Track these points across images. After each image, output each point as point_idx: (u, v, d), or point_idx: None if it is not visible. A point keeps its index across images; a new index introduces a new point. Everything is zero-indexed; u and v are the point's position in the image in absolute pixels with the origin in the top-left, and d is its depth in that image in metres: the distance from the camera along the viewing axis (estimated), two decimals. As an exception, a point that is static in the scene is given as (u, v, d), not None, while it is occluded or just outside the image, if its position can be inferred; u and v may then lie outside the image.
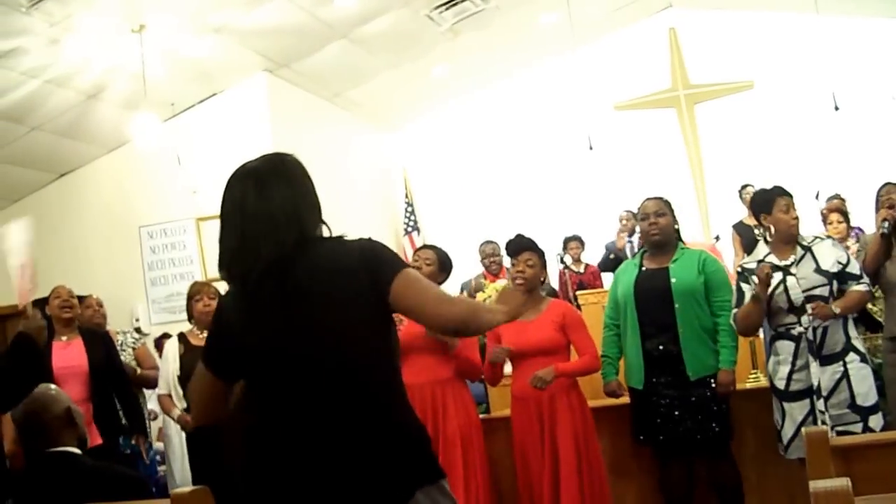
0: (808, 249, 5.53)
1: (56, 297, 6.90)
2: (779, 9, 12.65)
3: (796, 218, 5.60)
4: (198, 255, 11.30)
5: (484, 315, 2.81)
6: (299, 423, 2.69)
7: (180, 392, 6.70)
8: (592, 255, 11.65)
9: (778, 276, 5.51)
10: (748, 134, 12.69)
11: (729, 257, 10.69)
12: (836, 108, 11.07)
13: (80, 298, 7.52)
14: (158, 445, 8.61)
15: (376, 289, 2.70)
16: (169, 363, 6.83)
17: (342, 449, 2.64)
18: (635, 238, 11.21)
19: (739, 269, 5.85)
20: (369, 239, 2.84)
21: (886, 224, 5.87)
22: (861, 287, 5.45)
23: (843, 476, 2.81)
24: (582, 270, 11.16)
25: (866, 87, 12.23)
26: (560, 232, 11.46)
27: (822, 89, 11.43)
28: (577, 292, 8.71)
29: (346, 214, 10.48)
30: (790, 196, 5.66)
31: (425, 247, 6.42)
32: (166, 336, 8.50)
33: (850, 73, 12.12)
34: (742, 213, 11.00)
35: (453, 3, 10.96)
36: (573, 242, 11.34)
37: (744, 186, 11.09)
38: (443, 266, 6.13)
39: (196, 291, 6.92)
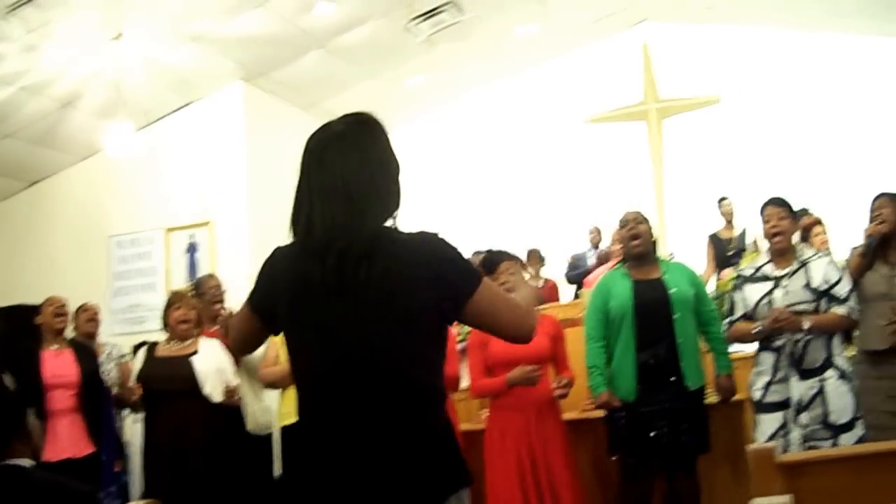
0: (804, 264, 5.54)
1: (49, 304, 6.83)
2: (748, 24, 12.74)
3: (773, 227, 5.59)
4: (162, 266, 11.22)
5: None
6: (334, 413, 2.62)
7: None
8: (556, 269, 11.68)
9: (766, 287, 5.55)
10: (715, 148, 12.80)
11: (698, 269, 10.77)
12: (801, 124, 11.15)
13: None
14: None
15: (451, 303, 2.64)
16: (134, 368, 6.76)
17: (380, 444, 2.57)
18: (600, 252, 11.30)
19: (737, 275, 5.89)
20: (437, 237, 2.69)
21: (871, 240, 5.91)
22: (840, 310, 5.43)
23: (789, 493, 2.82)
24: (540, 285, 11.15)
25: (832, 102, 12.35)
26: (526, 243, 11.48)
27: (789, 104, 11.55)
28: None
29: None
30: (776, 206, 5.66)
31: (506, 257, 6.03)
32: (145, 343, 8.45)
33: (817, 89, 12.26)
34: (708, 226, 11.10)
35: (430, 14, 10.95)
36: (533, 255, 11.36)
37: (722, 199, 11.15)
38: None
39: (175, 300, 6.80)
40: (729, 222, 11.14)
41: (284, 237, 2.76)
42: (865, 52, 12.39)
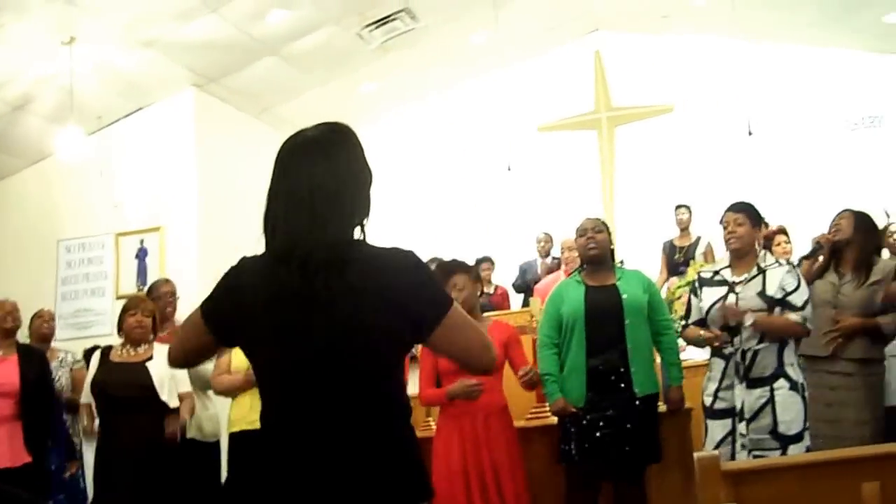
0: (762, 272, 5.58)
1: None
2: (700, 34, 12.87)
3: (731, 233, 5.64)
4: (113, 271, 11.15)
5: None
6: (302, 420, 2.59)
7: (93, 402, 6.64)
8: (505, 276, 11.73)
9: (722, 291, 5.59)
10: (666, 157, 12.89)
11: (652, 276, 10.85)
12: (750, 134, 11.27)
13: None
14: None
15: (417, 327, 2.62)
16: (88, 374, 6.73)
17: (342, 455, 2.55)
18: (549, 260, 11.35)
19: (697, 276, 5.94)
20: (413, 258, 2.67)
21: (817, 245, 6.05)
22: (793, 316, 5.46)
23: (733, 502, 2.85)
24: (492, 291, 11.19)
25: (781, 112, 12.50)
26: (476, 251, 11.52)
27: (739, 114, 11.67)
28: (486, 314, 8.72)
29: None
30: (734, 212, 5.71)
31: (456, 270, 6.06)
32: (96, 348, 8.39)
33: (767, 99, 12.40)
34: (663, 233, 11.20)
35: (383, 21, 10.96)
36: (485, 263, 11.39)
37: (678, 206, 11.23)
38: (475, 277, 6.04)
39: (132, 305, 6.75)
40: (684, 230, 11.21)
41: (234, 243, 2.74)
42: (818, 63, 12.55)
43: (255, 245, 2.74)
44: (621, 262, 10.37)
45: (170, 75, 10.58)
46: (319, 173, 2.65)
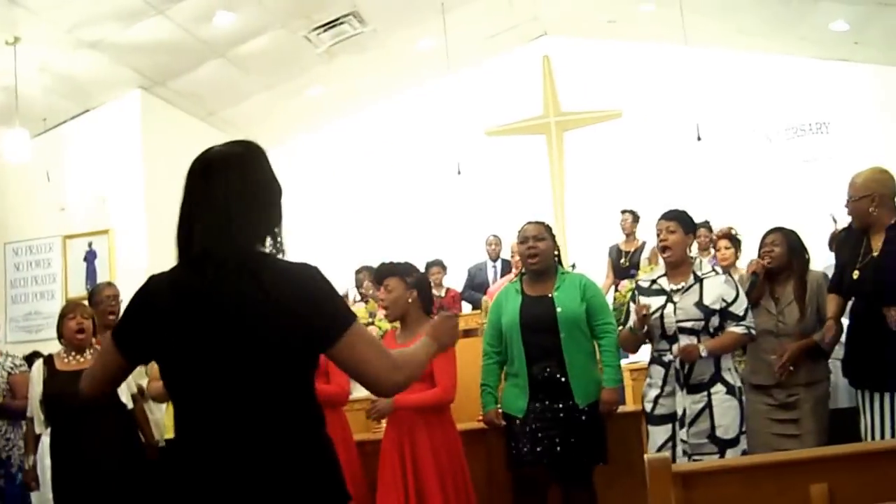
0: (699, 281, 5.59)
1: None
2: (649, 40, 12.93)
3: (662, 241, 5.67)
4: (61, 274, 11.11)
5: (421, 368, 2.95)
6: (210, 429, 2.64)
7: (41, 417, 6.52)
8: (456, 279, 11.74)
9: (660, 301, 5.58)
10: (614, 161, 12.95)
11: (598, 280, 10.89)
12: (699, 139, 11.33)
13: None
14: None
15: (319, 339, 2.67)
16: (34, 385, 6.53)
17: (251, 465, 2.60)
18: (499, 263, 11.36)
19: (636, 284, 5.99)
20: (314, 271, 2.73)
21: (755, 277, 6.03)
22: (738, 329, 5.50)
23: (682, 503, 2.87)
24: (443, 294, 11.20)
25: (729, 118, 12.63)
26: (426, 255, 11.53)
27: (687, 120, 11.72)
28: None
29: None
30: (666, 220, 5.71)
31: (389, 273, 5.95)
32: (37, 354, 8.27)
33: (714, 105, 12.50)
34: (610, 237, 11.25)
35: (331, 25, 10.96)
36: (435, 267, 11.38)
37: (623, 211, 11.28)
38: (408, 283, 5.88)
39: (70, 310, 6.59)
40: (629, 235, 11.25)
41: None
42: (766, 70, 12.70)
43: None
44: (573, 265, 10.50)
45: (115, 77, 10.53)
46: (231, 186, 2.71)
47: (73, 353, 6.49)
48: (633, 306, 5.71)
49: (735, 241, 8.51)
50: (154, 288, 2.77)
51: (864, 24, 11.08)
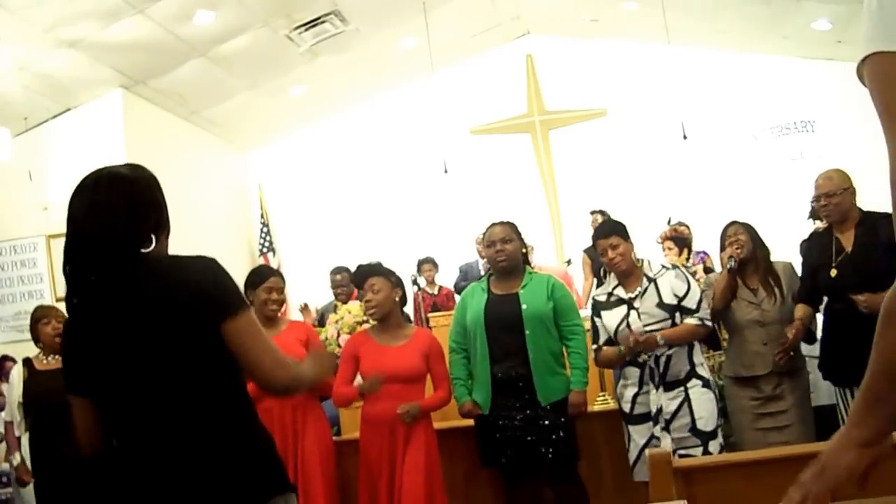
0: (652, 281, 5.65)
1: None
2: (632, 39, 12.95)
3: (612, 260, 5.68)
4: (48, 273, 11.08)
5: (306, 383, 3.04)
6: (146, 442, 2.65)
7: (18, 418, 6.55)
8: (446, 277, 11.73)
9: (622, 311, 5.63)
10: (600, 160, 12.97)
11: (580, 281, 10.89)
12: (685, 138, 11.34)
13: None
14: (4, 466, 8.41)
15: (208, 324, 2.66)
16: (13, 389, 6.63)
17: (191, 465, 2.61)
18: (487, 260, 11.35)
19: (592, 300, 5.98)
20: (211, 260, 2.76)
21: (733, 261, 6.04)
22: (692, 321, 5.55)
23: (684, 498, 2.86)
24: (436, 292, 11.25)
25: (714, 117, 12.65)
26: (415, 254, 11.56)
27: (672, 119, 11.74)
28: (430, 314, 8.73)
29: (200, 233, 10.39)
30: (605, 237, 5.75)
31: (373, 273, 6.01)
32: (7, 358, 8.28)
33: (699, 104, 12.50)
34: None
35: (313, 24, 10.97)
36: (427, 265, 11.42)
37: (592, 212, 11.29)
38: (396, 283, 5.98)
39: (43, 315, 6.67)
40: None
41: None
42: (750, 69, 12.75)
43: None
44: (568, 261, 10.51)
45: (96, 76, 10.51)
46: (75, 215, 2.75)
47: (52, 356, 6.54)
48: (600, 322, 5.75)
49: (679, 242, 8.51)
50: (67, 331, 2.85)
51: (846, 23, 11.09)
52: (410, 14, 11.42)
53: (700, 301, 5.63)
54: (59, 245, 8.63)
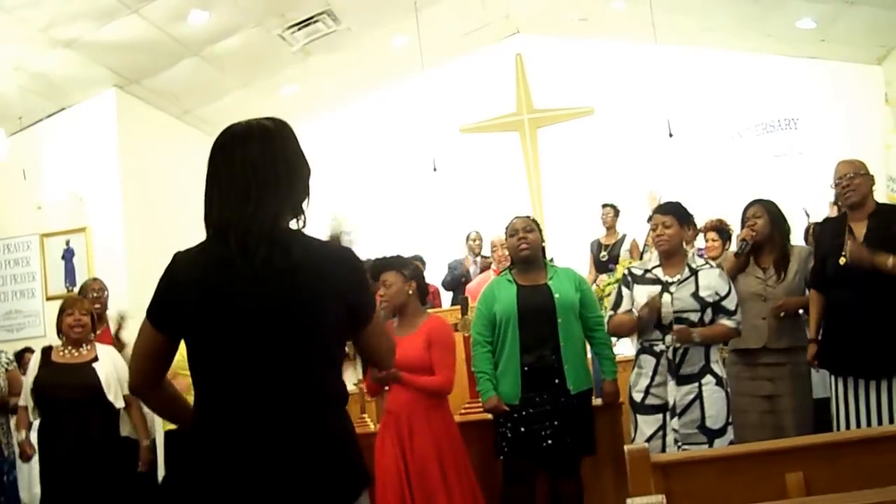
0: (694, 273, 5.66)
1: None
2: (620, 38, 13.06)
3: (660, 236, 5.71)
4: (40, 272, 11.05)
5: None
6: (239, 408, 2.62)
7: (31, 404, 6.60)
8: (435, 275, 11.76)
9: (656, 289, 5.64)
10: (588, 158, 13.08)
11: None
12: (671, 135, 11.44)
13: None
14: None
15: (354, 318, 2.78)
16: (29, 374, 6.66)
17: (281, 449, 2.59)
18: (479, 259, 11.39)
19: (627, 271, 6.00)
20: (352, 255, 2.82)
21: (744, 244, 6.16)
22: (729, 322, 5.59)
23: (662, 493, 2.93)
24: (423, 290, 11.23)
25: (699, 115, 12.79)
26: (404, 252, 11.54)
27: (658, 117, 11.84)
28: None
29: (193, 231, 10.38)
30: (662, 213, 5.79)
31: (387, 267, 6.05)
32: (28, 350, 8.36)
33: (685, 102, 12.64)
34: (588, 233, 11.33)
35: (305, 23, 11.02)
36: (415, 262, 11.42)
37: (604, 206, 11.37)
38: (411, 276, 6.05)
39: (69, 305, 6.74)
40: (609, 228, 11.35)
41: (160, 242, 2.83)
42: (735, 67, 12.89)
43: (181, 243, 2.82)
44: (551, 259, 10.57)
45: (91, 76, 10.52)
46: (254, 159, 2.71)
47: (70, 348, 6.63)
48: (629, 293, 5.80)
49: (723, 234, 8.58)
50: (180, 263, 2.75)
51: (830, 22, 11.22)
52: (402, 13, 11.48)
53: (738, 306, 5.67)
54: (53, 244, 8.70)
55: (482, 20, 13.04)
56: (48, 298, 10.73)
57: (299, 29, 11.09)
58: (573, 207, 12.41)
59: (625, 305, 5.82)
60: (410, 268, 6.07)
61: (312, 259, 2.67)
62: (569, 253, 11.01)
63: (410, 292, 5.95)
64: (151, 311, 2.77)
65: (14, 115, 10.60)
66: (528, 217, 6.22)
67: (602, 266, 10.88)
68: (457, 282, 11.38)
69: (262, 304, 2.61)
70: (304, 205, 2.82)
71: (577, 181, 12.91)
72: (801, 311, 6.24)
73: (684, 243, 5.90)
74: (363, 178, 13.72)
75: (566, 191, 12.88)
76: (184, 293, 2.67)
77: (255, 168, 2.69)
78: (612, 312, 5.90)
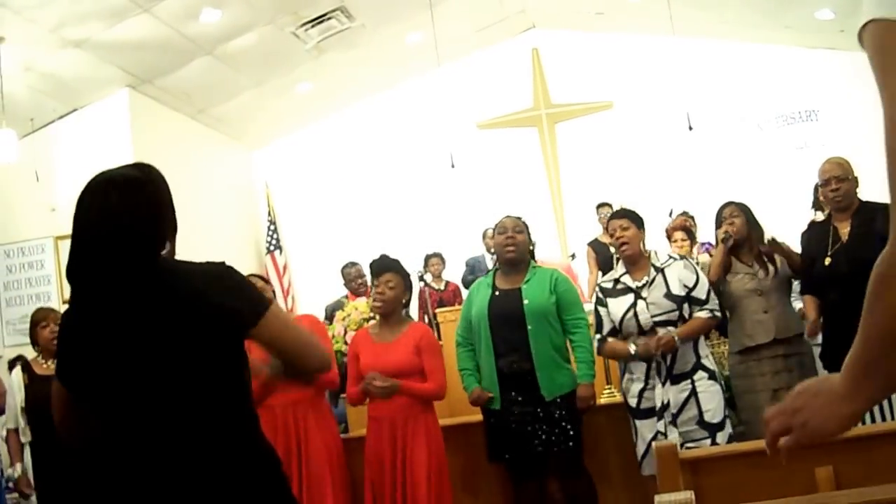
0: (660, 271, 5.70)
1: None
2: (637, 31, 12.98)
3: (618, 238, 5.77)
4: (55, 275, 11.06)
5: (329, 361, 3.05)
6: (152, 454, 2.61)
7: (22, 424, 6.52)
8: (453, 272, 11.73)
9: (629, 300, 5.67)
10: (607, 153, 13.01)
11: (584, 275, 10.89)
12: (690, 129, 11.38)
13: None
14: (10, 472, 8.38)
15: (237, 324, 2.67)
16: (15, 394, 6.58)
17: (198, 478, 2.58)
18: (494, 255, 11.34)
19: (598, 288, 5.98)
20: (224, 266, 2.77)
21: (727, 234, 6.13)
22: (702, 314, 5.62)
23: (691, 489, 2.89)
24: (443, 287, 11.23)
25: (719, 107, 12.70)
26: (423, 249, 11.55)
27: (678, 110, 11.76)
28: (437, 310, 8.72)
29: (208, 232, 10.40)
30: (618, 218, 5.88)
31: (390, 268, 6.05)
32: (20, 358, 8.29)
33: (704, 95, 12.54)
34: (597, 231, 11.25)
35: (319, 20, 10.99)
36: (434, 259, 11.41)
37: (601, 205, 11.30)
38: (406, 285, 6.05)
39: (42, 318, 6.70)
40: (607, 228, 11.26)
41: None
42: (754, 59, 12.79)
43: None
44: (572, 255, 10.52)
45: (102, 76, 10.50)
46: (115, 209, 2.66)
47: (51, 360, 6.51)
48: (605, 311, 5.81)
49: (689, 233, 8.58)
50: (70, 325, 2.77)
51: (848, 13, 11.09)
52: (416, 9, 11.44)
53: (709, 291, 5.69)
54: (67, 246, 8.61)
55: (498, 15, 12.98)
56: (64, 302, 10.58)
57: (313, 26, 11.05)
58: (592, 203, 12.31)
59: (608, 326, 5.83)
60: (409, 278, 6.10)
61: (182, 287, 2.65)
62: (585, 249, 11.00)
63: (404, 301, 5.97)
64: (58, 373, 2.82)
65: (25, 117, 10.55)
66: (519, 218, 6.21)
67: (610, 264, 10.80)
68: (476, 279, 11.32)
69: (147, 340, 2.59)
70: (163, 249, 2.76)
71: (595, 176, 12.81)
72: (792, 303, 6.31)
73: (643, 245, 5.89)
74: (380, 175, 13.69)
75: (585, 186, 12.77)
76: (78, 349, 2.70)
77: (117, 220, 2.65)
78: (599, 337, 5.90)
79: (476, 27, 12.95)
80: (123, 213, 2.65)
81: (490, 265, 11.43)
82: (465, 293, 11.33)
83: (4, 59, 9.37)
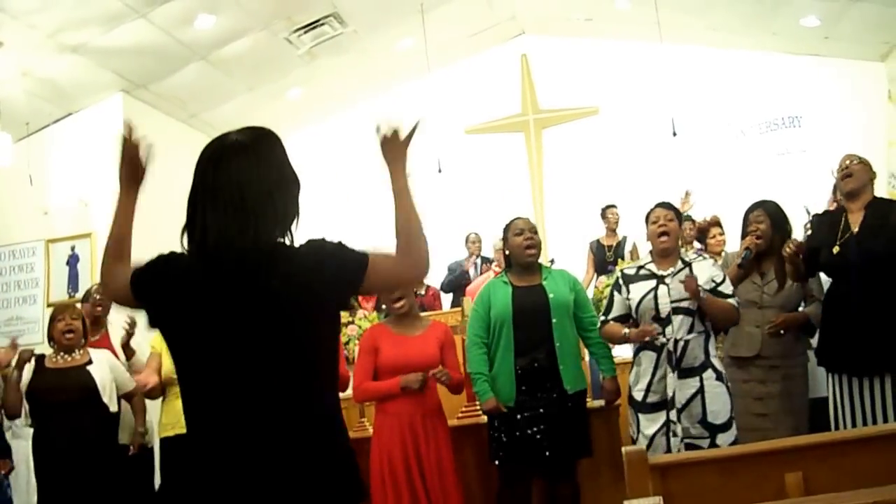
0: (688, 265, 5.66)
1: None
2: (625, 38, 13.07)
3: (661, 227, 5.71)
4: (44, 278, 11.07)
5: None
6: (232, 421, 2.54)
7: (26, 410, 6.60)
8: (435, 277, 11.75)
9: (651, 284, 5.65)
10: (592, 158, 13.07)
11: (579, 276, 10.98)
12: (675, 134, 11.45)
13: None
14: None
15: (350, 280, 2.71)
16: (22, 383, 6.56)
17: (271, 460, 2.51)
18: (479, 260, 11.40)
19: (620, 273, 6.00)
20: (319, 241, 2.75)
21: (748, 253, 6.12)
22: (733, 301, 5.58)
23: (660, 494, 2.95)
24: (423, 292, 11.19)
25: (704, 113, 12.80)
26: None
27: (663, 116, 11.85)
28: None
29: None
30: (665, 208, 5.82)
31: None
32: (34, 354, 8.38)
33: (690, 101, 12.66)
34: (583, 235, 11.35)
35: (312, 26, 11.05)
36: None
37: (608, 207, 11.41)
38: None
39: (60, 312, 6.73)
40: (612, 230, 11.37)
41: (166, 247, 2.74)
42: (739, 65, 12.86)
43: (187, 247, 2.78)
44: (551, 261, 10.56)
45: (98, 81, 10.56)
46: (248, 175, 2.63)
47: (62, 354, 6.60)
48: (621, 297, 5.81)
49: (713, 227, 8.66)
50: (174, 265, 2.70)
51: (834, 20, 11.22)
52: (408, 16, 11.53)
53: (733, 293, 5.67)
54: (58, 249, 8.69)
55: (488, 21, 13.05)
56: (48, 305, 10.66)
57: (306, 32, 11.12)
58: (575, 208, 12.40)
59: (616, 310, 5.83)
60: None
61: (295, 272, 2.60)
62: (570, 254, 11.07)
63: (417, 294, 6.00)
64: (135, 275, 2.77)
65: (21, 121, 10.60)
66: (529, 220, 6.26)
67: (603, 267, 10.90)
68: (456, 283, 11.39)
69: (246, 326, 2.55)
70: (296, 220, 2.79)
71: (581, 181, 12.90)
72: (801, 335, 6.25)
73: (679, 241, 5.93)
74: (368, 179, 13.70)
75: (570, 191, 12.88)
76: (170, 292, 2.65)
77: (249, 189, 2.62)
78: (603, 318, 5.90)
79: (467, 33, 13.02)
80: (271, 187, 2.68)
81: (472, 269, 11.49)
82: (444, 297, 11.42)
83: (2, 63, 9.44)
